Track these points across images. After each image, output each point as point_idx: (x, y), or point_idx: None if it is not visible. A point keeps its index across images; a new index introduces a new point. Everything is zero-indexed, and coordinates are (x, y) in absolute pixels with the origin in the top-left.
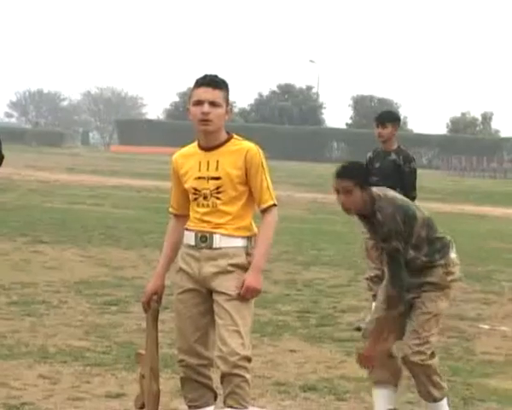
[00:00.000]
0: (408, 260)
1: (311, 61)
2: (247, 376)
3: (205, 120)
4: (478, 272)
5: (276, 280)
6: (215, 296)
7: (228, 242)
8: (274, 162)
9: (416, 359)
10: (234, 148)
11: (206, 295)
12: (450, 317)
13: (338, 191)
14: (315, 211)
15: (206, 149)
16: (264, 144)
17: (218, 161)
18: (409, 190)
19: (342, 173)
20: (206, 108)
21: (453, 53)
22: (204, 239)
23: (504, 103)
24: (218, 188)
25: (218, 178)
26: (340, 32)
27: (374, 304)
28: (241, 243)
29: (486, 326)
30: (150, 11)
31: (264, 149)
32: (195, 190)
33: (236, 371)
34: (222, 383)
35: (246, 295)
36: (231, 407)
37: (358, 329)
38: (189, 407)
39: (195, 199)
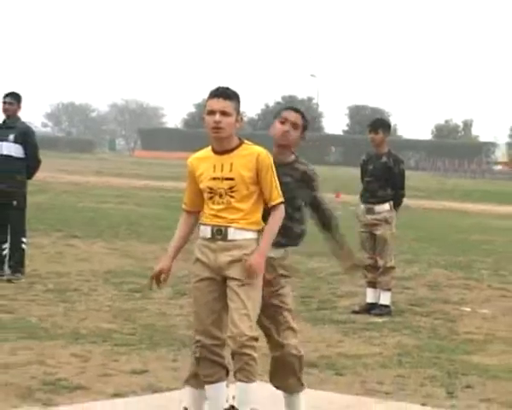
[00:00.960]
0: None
1: (312, 75)
2: (255, 354)
3: (217, 128)
4: (460, 261)
5: None
6: (229, 282)
7: (241, 234)
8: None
9: (295, 351)
10: (245, 152)
11: (220, 282)
12: (436, 301)
13: (285, 122)
14: None
15: (220, 152)
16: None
17: (231, 164)
18: (398, 188)
19: (299, 111)
20: (217, 117)
21: (438, 66)
22: (219, 232)
23: (483, 111)
24: (231, 187)
25: (231, 179)
26: (338, 49)
27: (368, 289)
28: (252, 235)
29: (468, 309)
30: (170, 30)
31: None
32: (211, 189)
33: (245, 350)
34: (233, 360)
35: (248, 273)
36: (241, 380)
37: (355, 312)
38: (205, 382)
39: (211, 198)
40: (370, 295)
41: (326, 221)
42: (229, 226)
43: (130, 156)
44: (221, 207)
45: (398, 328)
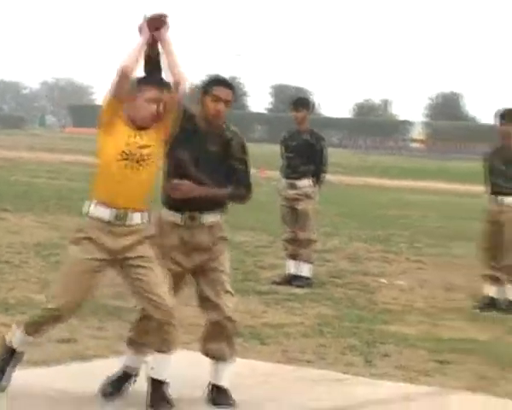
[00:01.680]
0: None
1: (237, 54)
2: (175, 323)
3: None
4: (379, 235)
5: None
6: (134, 261)
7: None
8: None
9: (232, 315)
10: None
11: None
12: (356, 273)
13: (219, 99)
14: None
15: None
16: None
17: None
18: (319, 165)
19: (231, 86)
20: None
21: (357, 46)
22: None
23: (401, 91)
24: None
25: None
26: (262, 29)
27: (289, 261)
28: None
29: (386, 281)
30: (99, 8)
31: None
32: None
33: (172, 320)
34: (154, 330)
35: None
36: (161, 351)
37: (277, 283)
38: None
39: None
40: (292, 267)
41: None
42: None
43: (61, 132)
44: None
45: (318, 299)
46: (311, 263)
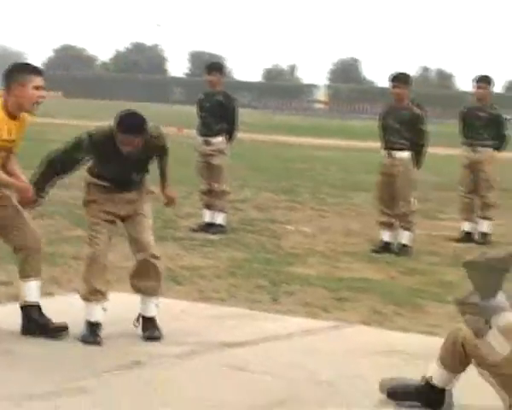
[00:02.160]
0: None
1: (158, 24)
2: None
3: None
4: (285, 186)
5: None
6: None
7: None
8: (129, 104)
9: (158, 254)
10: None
11: None
12: (264, 221)
13: (128, 144)
14: None
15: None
16: (123, 91)
17: None
18: (232, 123)
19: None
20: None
21: (266, 15)
22: None
23: (307, 56)
24: None
25: None
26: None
27: (205, 211)
28: None
29: (292, 228)
30: None
31: (124, 96)
32: None
33: None
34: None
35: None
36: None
37: (194, 230)
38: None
39: None
40: (207, 216)
41: None
42: None
43: None
44: None
45: (231, 244)
46: (225, 212)
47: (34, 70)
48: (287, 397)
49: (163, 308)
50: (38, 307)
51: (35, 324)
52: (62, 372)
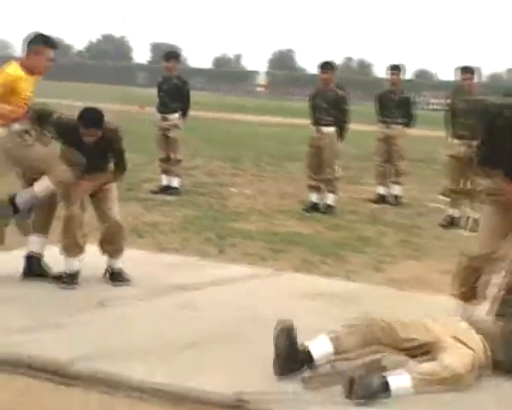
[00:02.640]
0: None
1: (123, 18)
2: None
3: None
4: (231, 155)
5: None
6: None
7: None
8: (101, 86)
9: (120, 221)
10: None
11: None
12: (213, 184)
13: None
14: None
15: None
16: (95, 76)
17: None
18: (185, 102)
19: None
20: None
21: (216, 8)
22: None
23: (250, 46)
24: None
25: None
26: None
27: (162, 176)
28: None
29: (236, 190)
30: None
31: (96, 80)
32: None
33: None
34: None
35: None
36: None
37: (154, 192)
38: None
39: None
40: (165, 180)
41: None
42: None
43: None
44: None
45: (184, 204)
46: (179, 177)
47: (50, 43)
48: (230, 332)
49: (127, 258)
50: (39, 258)
51: (34, 271)
52: (41, 311)
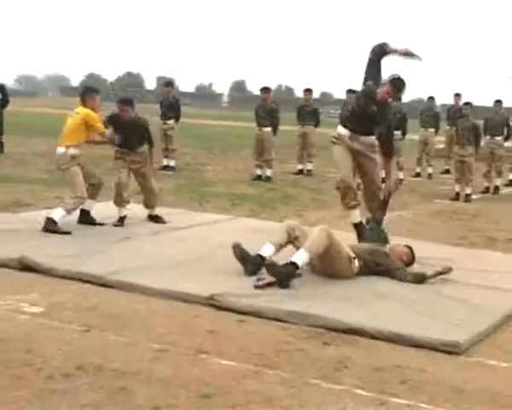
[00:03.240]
0: None
1: None
2: None
3: None
4: (207, 146)
5: None
6: None
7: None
8: None
9: (154, 187)
10: None
11: None
12: (195, 164)
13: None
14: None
15: None
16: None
17: None
18: (178, 114)
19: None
20: None
21: (196, 47)
22: None
23: (218, 77)
24: None
25: None
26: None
27: (164, 158)
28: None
29: (210, 168)
30: None
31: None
32: None
33: None
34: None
35: None
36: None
37: (158, 169)
38: None
39: None
40: (165, 162)
41: None
42: None
43: None
44: None
45: (177, 177)
46: (174, 159)
47: (97, 91)
48: (203, 256)
49: (140, 210)
50: (88, 212)
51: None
52: (87, 243)
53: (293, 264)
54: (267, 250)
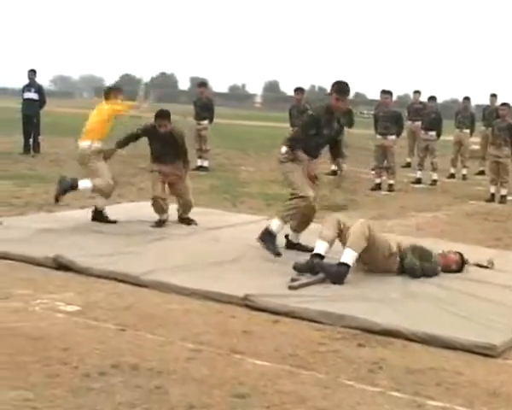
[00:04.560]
0: None
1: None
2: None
3: None
4: (240, 146)
5: None
6: None
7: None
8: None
9: (192, 201)
10: None
11: None
12: (229, 165)
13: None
14: None
15: None
16: None
17: None
18: (211, 114)
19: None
20: None
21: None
22: None
23: (251, 78)
24: None
25: None
26: None
27: (198, 159)
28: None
29: (243, 168)
30: None
31: None
32: None
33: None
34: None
35: None
36: None
37: (192, 169)
38: None
39: None
40: (199, 162)
41: None
42: None
43: None
44: None
45: (211, 177)
46: (208, 160)
47: (120, 90)
48: (237, 256)
49: (176, 211)
50: (101, 211)
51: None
52: (119, 242)
53: (345, 264)
54: (321, 247)
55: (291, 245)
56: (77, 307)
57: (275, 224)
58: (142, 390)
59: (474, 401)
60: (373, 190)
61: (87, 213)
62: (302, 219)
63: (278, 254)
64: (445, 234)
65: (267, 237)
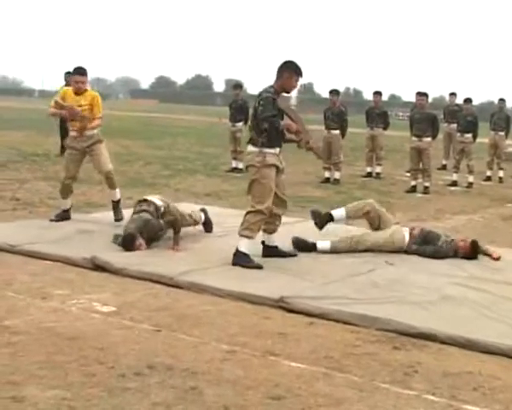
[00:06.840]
0: None
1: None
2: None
3: None
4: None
5: None
6: None
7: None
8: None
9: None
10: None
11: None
12: None
13: None
14: None
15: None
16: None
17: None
18: (246, 116)
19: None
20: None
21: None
22: None
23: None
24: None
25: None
26: None
27: (232, 160)
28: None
29: None
30: None
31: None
32: None
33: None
34: None
35: None
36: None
37: (226, 171)
38: None
39: None
40: (233, 164)
41: None
42: None
43: None
44: None
45: (246, 179)
46: (242, 162)
47: (75, 71)
48: (271, 257)
49: (215, 212)
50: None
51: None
52: (155, 243)
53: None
54: (338, 213)
55: (268, 251)
56: (113, 307)
57: (242, 244)
58: (177, 391)
59: (510, 407)
60: (408, 192)
61: (126, 214)
62: (268, 220)
63: (259, 267)
64: (482, 237)
65: (242, 259)
